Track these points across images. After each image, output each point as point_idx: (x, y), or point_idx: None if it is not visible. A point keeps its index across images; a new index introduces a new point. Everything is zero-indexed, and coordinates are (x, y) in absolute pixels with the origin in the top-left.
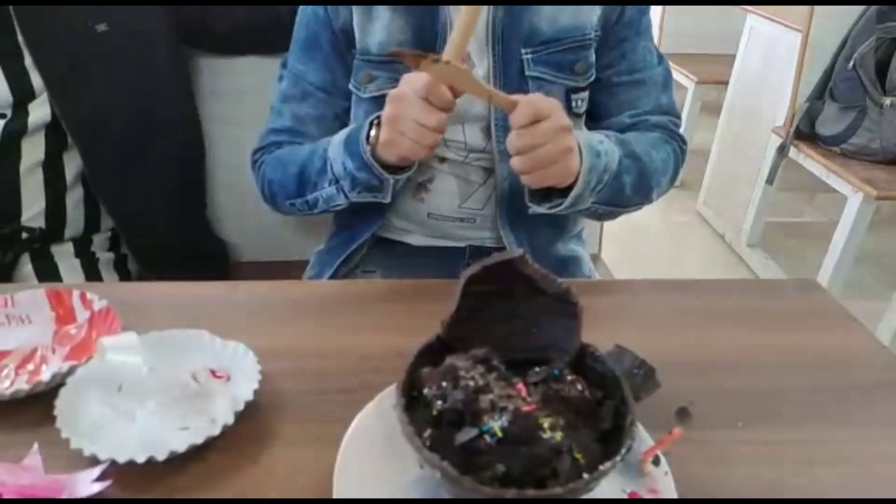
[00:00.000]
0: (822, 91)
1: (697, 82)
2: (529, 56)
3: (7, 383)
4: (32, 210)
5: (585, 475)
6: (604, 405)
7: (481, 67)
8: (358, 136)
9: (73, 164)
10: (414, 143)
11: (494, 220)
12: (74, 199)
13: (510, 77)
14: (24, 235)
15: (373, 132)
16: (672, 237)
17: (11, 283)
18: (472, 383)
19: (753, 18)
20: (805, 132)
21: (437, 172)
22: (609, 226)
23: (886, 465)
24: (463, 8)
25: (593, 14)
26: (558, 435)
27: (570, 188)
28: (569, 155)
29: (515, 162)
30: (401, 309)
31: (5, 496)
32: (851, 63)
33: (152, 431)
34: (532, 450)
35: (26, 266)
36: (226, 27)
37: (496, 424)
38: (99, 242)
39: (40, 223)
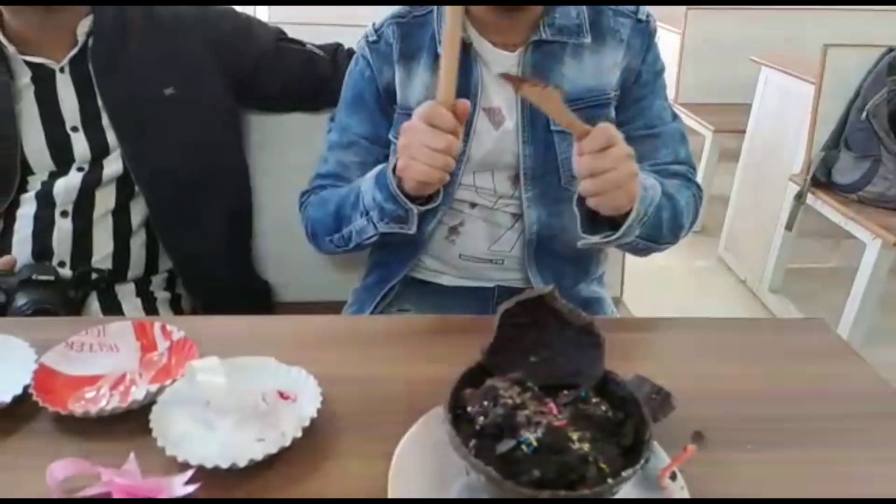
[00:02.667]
0: (837, 140)
1: (715, 131)
2: None
3: (104, 402)
4: (101, 253)
5: (610, 480)
6: (625, 424)
7: (511, 121)
8: (386, 171)
9: (138, 211)
10: (426, 166)
11: (522, 261)
12: (138, 244)
13: (537, 131)
14: (94, 276)
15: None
16: (694, 282)
17: (101, 317)
18: (510, 401)
19: (768, 70)
20: (822, 180)
21: (468, 217)
22: (631, 269)
23: (883, 485)
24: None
25: (613, 76)
26: (586, 446)
27: (620, 220)
28: (633, 181)
29: (587, 184)
30: (438, 341)
31: (114, 494)
32: (864, 114)
33: (233, 442)
34: (563, 458)
35: (94, 304)
36: (275, 89)
37: (532, 436)
38: (157, 283)
39: (108, 265)
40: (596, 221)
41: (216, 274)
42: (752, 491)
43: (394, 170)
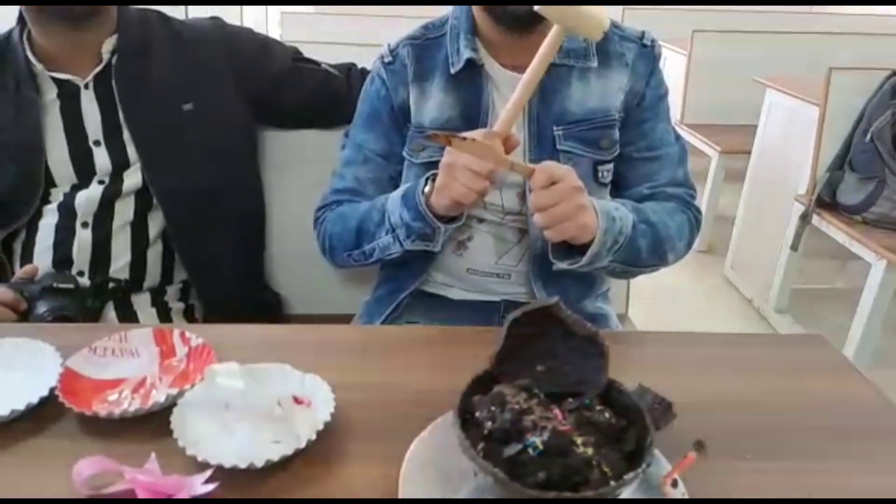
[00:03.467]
0: (842, 162)
1: (721, 151)
2: (560, 133)
3: (126, 404)
4: (119, 263)
5: (612, 483)
6: (628, 431)
7: (519, 139)
8: (415, 191)
9: (155, 223)
10: (465, 187)
11: (528, 276)
12: (154, 255)
13: (544, 150)
14: (111, 285)
15: (427, 187)
16: (700, 301)
17: (122, 324)
18: (517, 407)
19: (772, 92)
20: (827, 201)
21: (476, 231)
22: (637, 288)
23: (877, 495)
24: (518, 88)
25: (617, 98)
26: (589, 450)
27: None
28: (581, 212)
29: (537, 218)
30: (446, 352)
31: (138, 491)
32: (868, 136)
33: (251, 444)
34: (567, 461)
35: (110, 313)
36: (291, 106)
37: (538, 440)
38: (171, 293)
39: (125, 275)
40: (572, 248)
41: (229, 285)
42: (753, 495)
43: (423, 191)
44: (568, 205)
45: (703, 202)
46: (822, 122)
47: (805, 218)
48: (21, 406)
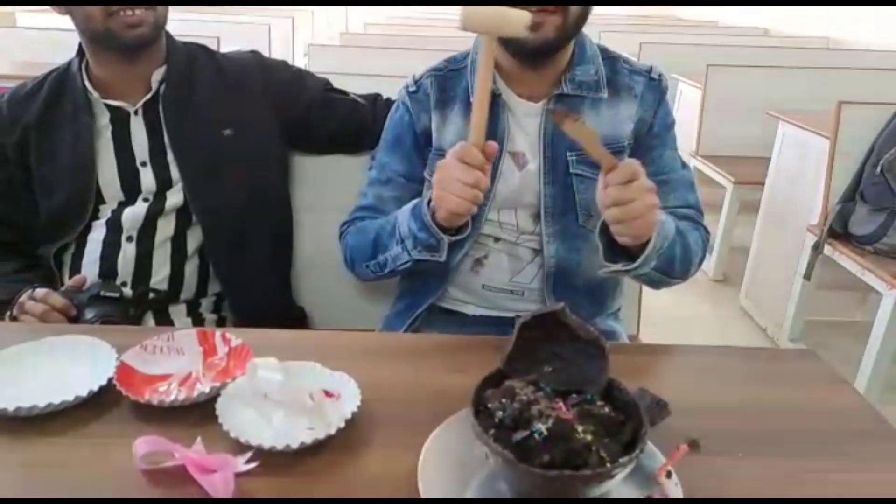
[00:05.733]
0: (853, 193)
1: (735, 182)
2: (573, 157)
3: (174, 394)
4: (159, 276)
5: (608, 465)
6: (626, 425)
7: (534, 164)
8: (422, 203)
9: (194, 239)
10: (458, 197)
11: (541, 293)
12: (191, 268)
13: (557, 173)
14: (152, 295)
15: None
16: (715, 329)
17: (170, 326)
18: (524, 398)
19: (785, 125)
20: (839, 231)
21: (492, 250)
22: (653, 316)
23: (854, 490)
24: (475, 100)
25: (627, 127)
26: (589, 436)
27: (636, 252)
28: (653, 211)
29: (613, 212)
30: (463, 357)
31: (189, 467)
32: (879, 168)
33: (287, 429)
34: (569, 445)
35: (150, 321)
36: (322, 133)
37: (543, 427)
38: (206, 305)
39: (164, 286)
40: (615, 253)
41: (259, 299)
42: (739, 490)
43: (428, 203)
44: (642, 203)
45: (717, 233)
46: (832, 154)
47: (817, 248)
48: (84, 393)
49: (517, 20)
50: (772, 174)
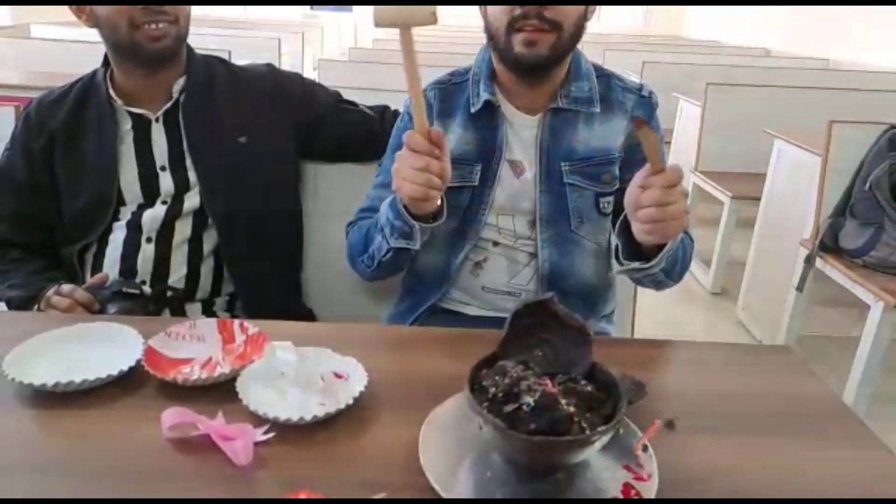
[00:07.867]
0: (844, 208)
1: (732, 197)
2: (567, 168)
3: (197, 375)
4: (176, 275)
5: (588, 432)
6: (606, 401)
7: (530, 173)
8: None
9: (209, 241)
10: (411, 183)
11: (536, 295)
12: (207, 269)
13: (552, 181)
14: (169, 294)
15: None
16: (712, 340)
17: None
18: (514, 375)
19: (780, 142)
20: (829, 245)
21: (491, 254)
22: (649, 329)
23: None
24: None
25: (618, 140)
26: (572, 408)
27: (648, 252)
28: (685, 217)
29: (651, 213)
30: (462, 347)
31: (212, 435)
32: (868, 185)
33: (301, 404)
34: (554, 415)
35: (167, 318)
36: (332, 143)
37: (531, 399)
38: (220, 304)
39: (181, 286)
40: (629, 252)
41: (270, 299)
42: (708, 461)
43: None
44: (680, 207)
45: (715, 247)
46: (824, 171)
47: (809, 261)
48: (115, 372)
49: (422, 11)
50: (767, 189)
